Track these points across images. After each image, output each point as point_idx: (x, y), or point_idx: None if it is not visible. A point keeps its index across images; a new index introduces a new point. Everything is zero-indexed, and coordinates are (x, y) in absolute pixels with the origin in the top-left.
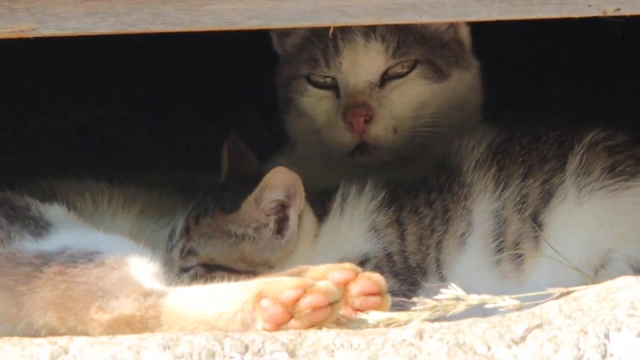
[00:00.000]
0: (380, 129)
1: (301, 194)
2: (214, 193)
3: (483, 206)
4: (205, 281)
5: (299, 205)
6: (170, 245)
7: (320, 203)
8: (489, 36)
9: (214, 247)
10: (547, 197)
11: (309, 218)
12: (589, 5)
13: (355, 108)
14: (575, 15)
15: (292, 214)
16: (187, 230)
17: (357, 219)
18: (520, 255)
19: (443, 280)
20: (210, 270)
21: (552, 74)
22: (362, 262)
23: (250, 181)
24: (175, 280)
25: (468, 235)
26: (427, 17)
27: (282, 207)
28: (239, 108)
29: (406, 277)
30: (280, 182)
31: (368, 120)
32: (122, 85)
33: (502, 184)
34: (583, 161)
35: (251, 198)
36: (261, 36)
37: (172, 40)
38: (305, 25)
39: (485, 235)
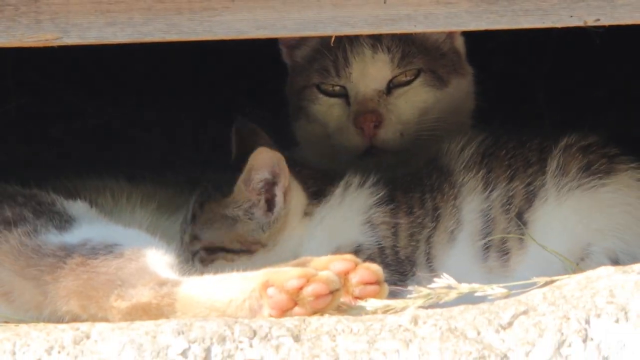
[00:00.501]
0: (388, 133)
1: (285, 172)
2: (216, 179)
3: (472, 205)
4: (207, 263)
5: (284, 183)
6: (182, 232)
7: (321, 185)
8: (479, 45)
9: (214, 232)
10: (531, 198)
11: (297, 194)
12: (571, 16)
13: (365, 114)
14: (558, 25)
15: (278, 192)
16: (193, 217)
17: (355, 212)
18: (506, 252)
19: (433, 272)
20: (211, 253)
21: (536, 79)
22: (356, 252)
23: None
24: (188, 267)
25: (458, 232)
26: (421, 27)
27: (271, 186)
28: (246, 109)
29: (396, 268)
30: (263, 162)
31: (377, 125)
32: (139, 89)
33: (490, 186)
34: (560, 163)
35: (241, 180)
36: (265, 44)
37: (185, 47)
38: (309, 35)
39: (474, 232)
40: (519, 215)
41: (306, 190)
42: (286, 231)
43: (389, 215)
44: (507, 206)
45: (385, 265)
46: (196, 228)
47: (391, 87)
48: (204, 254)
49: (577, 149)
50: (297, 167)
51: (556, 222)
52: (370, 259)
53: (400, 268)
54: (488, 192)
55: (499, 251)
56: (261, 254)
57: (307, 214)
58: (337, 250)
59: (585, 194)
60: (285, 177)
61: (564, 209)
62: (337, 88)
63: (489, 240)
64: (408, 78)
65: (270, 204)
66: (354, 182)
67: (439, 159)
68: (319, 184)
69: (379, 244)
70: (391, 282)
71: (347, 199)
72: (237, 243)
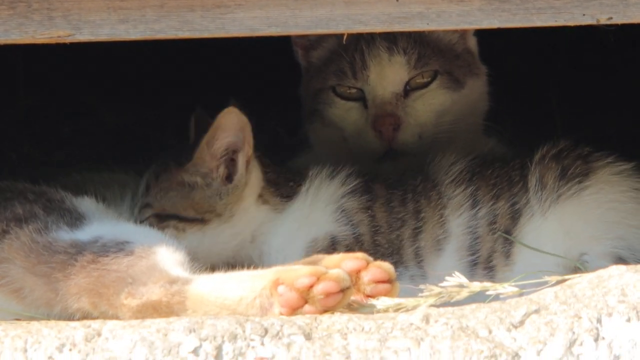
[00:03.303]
0: (407, 136)
1: (249, 139)
2: (175, 153)
3: (460, 220)
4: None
5: (247, 151)
6: (133, 205)
7: (289, 185)
8: (491, 45)
9: (169, 199)
10: (516, 217)
11: (256, 171)
12: (583, 15)
13: (384, 117)
14: (571, 23)
15: (240, 158)
16: (147, 188)
17: (324, 201)
18: (492, 269)
19: (423, 272)
20: (162, 220)
21: (549, 78)
22: (332, 245)
23: None
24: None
25: (445, 242)
26: (434, 25)
27: (233, 153)
28: (256, 109)
29: (375, 253)
30: (232, 123)
31: (396, 128)
32: (151, 88)
33: (478, 204)
34: (538, 177)
35: (204, 141)
36: (277, 44)
37: (197, 47)
38: (321, 32)
39: (462, 247)
40: (507, 233)
41: (282, 194)
42: (243, 204)
43: (364, 203)
44: (493, 225)
45: (364, 252)
46: (149, 197)
47: (408, 89)
48: (154, 220)
49: (549, 159)
50: (266, 170)
51: (545, 238)
52: (349, 249)
53: (379, 252)
54: (476, 210)
55: (485, 268)
56: (214, 225)
57: (276, 210)
58: (313, 243)
59: (568, 202)
60: (249, 145)
61: (550, 223)
62: (353, 91)
63: (477, 257)
64: (425, 80)
65: (229, 172)
66: (322, 175)
67: (427, 165)
68: (287, 186)
69: (354, 232)
70: None
71: (312, 191)
72: (192, 210)
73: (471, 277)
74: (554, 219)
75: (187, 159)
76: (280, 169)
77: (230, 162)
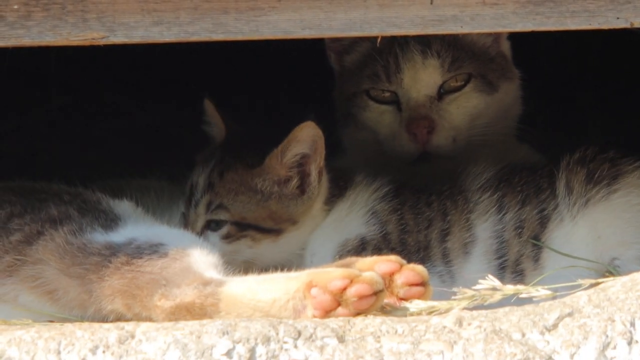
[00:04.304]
0: (441, 139)
1: (322, 150)
2: (233, 149)
3: (487, 225)
4: (232, 240)
5: (319, 161)
6: (194, 202)
7: (339, 186)
8: (524, 49)
9: (243, 205)
10: (544, 222)
11: (325, 180)
12: (617, 18)
13: (418, 120)
14: (605, 26)
15: (313, 169)
16: (211, 186)
17: (358, 206)
18: (520, 273)
19: (451, 273)
20: (241, 229)
21: (581, 82)
22: (361, 246)
23: (261, 140)
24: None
25: (472, 246)
26: (468, 28)
27: (302, 163)
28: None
29: (402, 251)
30: (307, 136)
31: (430, 131)
32: (181, 88)
33: (504, 209)
34: (565, 182)
35: (277, 150)
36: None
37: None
38: (355, 35)
39: (488, 251)
40: (536, 238)
41: (332, 193)
42: (312, 211)
43: (394, 205)
44: (520, 230)
45: (390, 250)
46: (221, 198)
47: (442, 92)
48: (233, 229)
49: (574, 163)
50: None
51: (575, 243)
52: (376, 249)
53: (406, 250)
54: (502, 214)
55: (513, 271)
56: (287, 234)
57: (326, 206)
58: (344, 244)
59: (597, 206)
60: (322, 156)
61: (580, 228)
62: (387, 94)
63: (505, 261)
64: (459, 83)
65: (301, 181)
66: (363, 182)
67: (457, 174)
68: (337, 186)
69: (382, 231)
70: None
71: (354, 197)
72: (270, 220)
73: (500, 280)
74: (583, 224)
75: (253, 160)
76: (332, 168)
77: (301, 171)
